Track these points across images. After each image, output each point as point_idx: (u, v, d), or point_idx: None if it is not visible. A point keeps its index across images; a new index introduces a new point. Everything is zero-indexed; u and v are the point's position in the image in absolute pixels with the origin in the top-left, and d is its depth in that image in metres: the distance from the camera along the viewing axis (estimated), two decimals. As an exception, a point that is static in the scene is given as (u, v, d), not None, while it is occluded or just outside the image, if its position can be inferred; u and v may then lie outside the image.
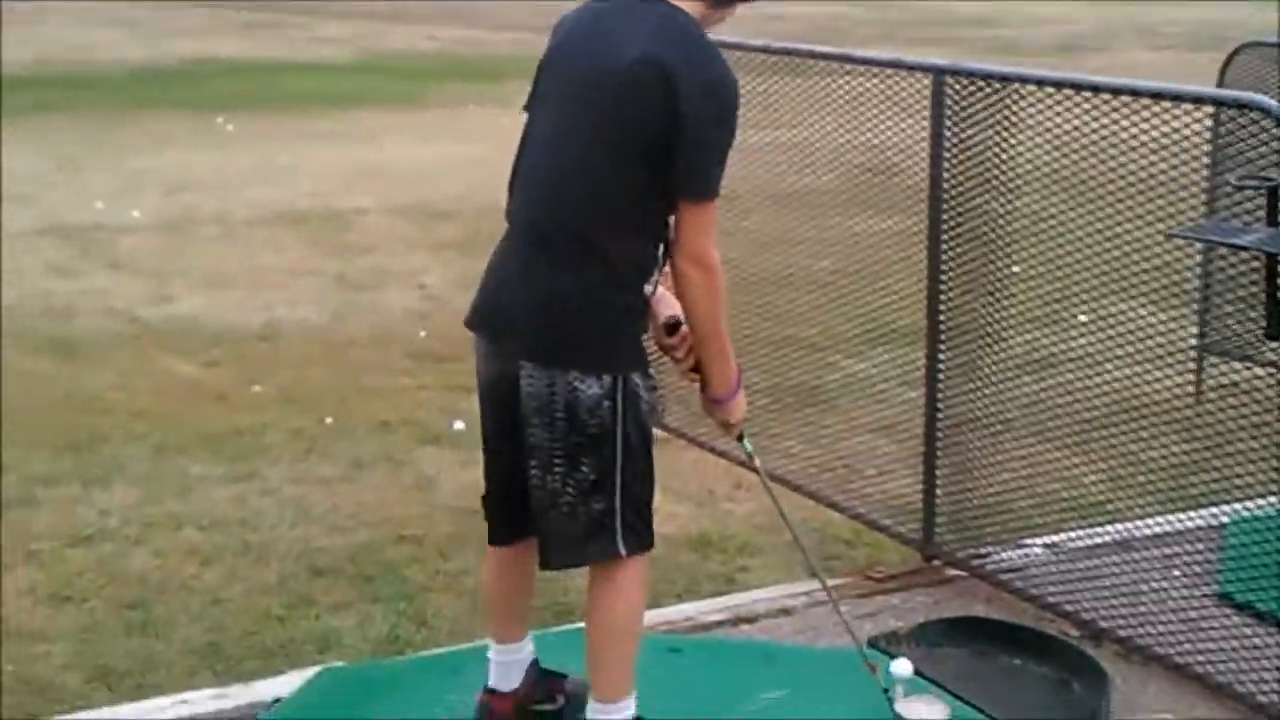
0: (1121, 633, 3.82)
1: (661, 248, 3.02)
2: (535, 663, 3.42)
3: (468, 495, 5.26)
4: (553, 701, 3.43)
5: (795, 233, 5.28)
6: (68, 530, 4.87)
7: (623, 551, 3.08)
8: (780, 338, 5.28)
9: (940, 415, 4.26)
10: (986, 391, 4.16)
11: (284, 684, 3.73)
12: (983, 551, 4.23)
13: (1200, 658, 3.69)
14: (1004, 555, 4.22)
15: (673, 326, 3.16)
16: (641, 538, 3.13)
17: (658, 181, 2.91)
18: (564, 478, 3.02)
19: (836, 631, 3.79)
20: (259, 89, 16.52)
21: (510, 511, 3.22)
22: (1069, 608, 3.95)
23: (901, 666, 3.41)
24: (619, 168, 2.93)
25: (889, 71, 4.32)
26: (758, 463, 3.46)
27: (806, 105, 4.65)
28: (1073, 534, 4.32)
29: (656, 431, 5.20)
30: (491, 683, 3.39)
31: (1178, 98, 3.61)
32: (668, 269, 3.04)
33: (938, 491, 4.30)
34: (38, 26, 22.03)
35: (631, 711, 3.20)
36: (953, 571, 4.31)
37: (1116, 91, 3.71)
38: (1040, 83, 3.91)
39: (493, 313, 3.11)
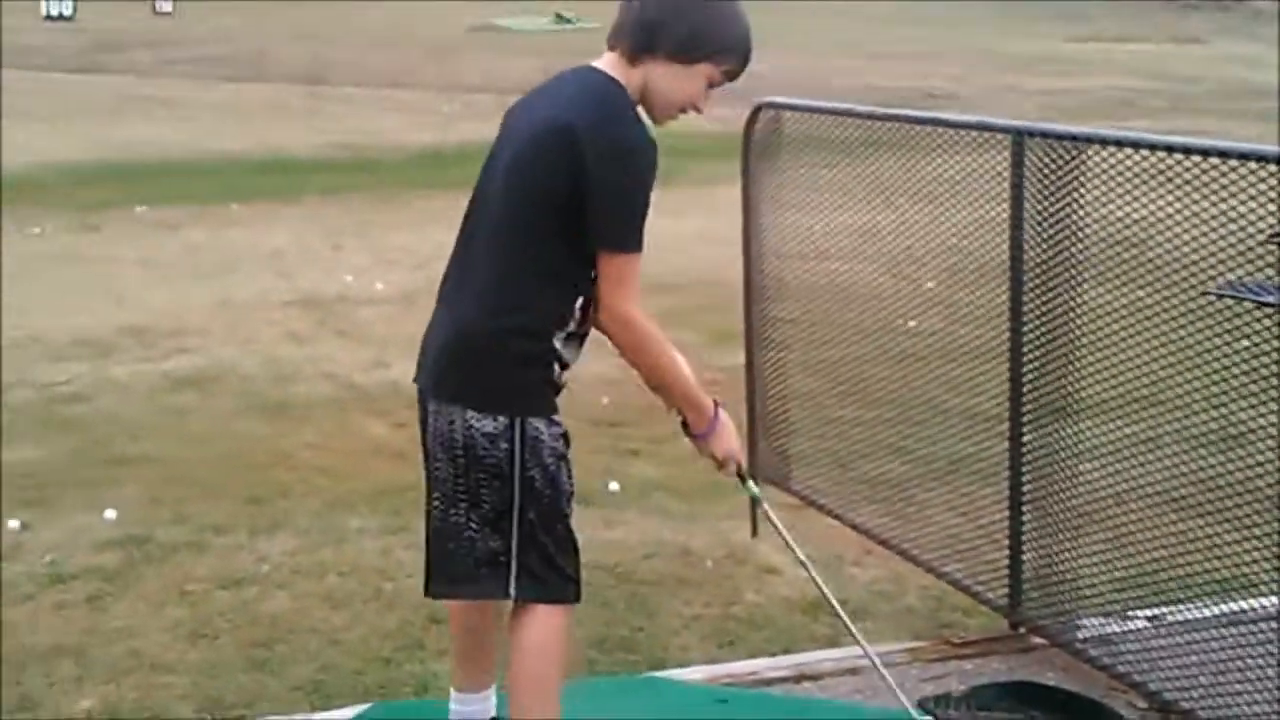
0: (1185, 705, 3.70)
1: (580, 301, 3.12)
2: (495, 719, 3.47)
3: (601, 552, 5.47)
4: None
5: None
6: (223, 574, 5.24)
7: (512, 593, 3.17)
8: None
9: (1026, 472, 4.20)
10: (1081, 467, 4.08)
11: (344, 716, 3.95)
12: (1068, 622, 4.15)
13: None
14: (1090, 625, 4.13)
15: None
16: (546, 587, 3.19)
17: (571, 237, 3.03)
18: (467, 513, 3.15)
19: (900, 694, 3.80)
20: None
21: None
22: (1138, 678, 3.84)
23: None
24: (530, 221, 3.07)
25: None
26: (765, 506, 3.52)
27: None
28: (1174, 608, 4.19)
29: (789, 499, 5.35)
30: None
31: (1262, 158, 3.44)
32: None
33: (1024, 557, 4.24)
34: (329, 114, 23.43)
35: None
36: (1038, 640, 4.23)
37: (1206, 153, 3.52)
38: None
39: (420, 358, 3.29)
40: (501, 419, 3.11)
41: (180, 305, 10.00)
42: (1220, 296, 3.49)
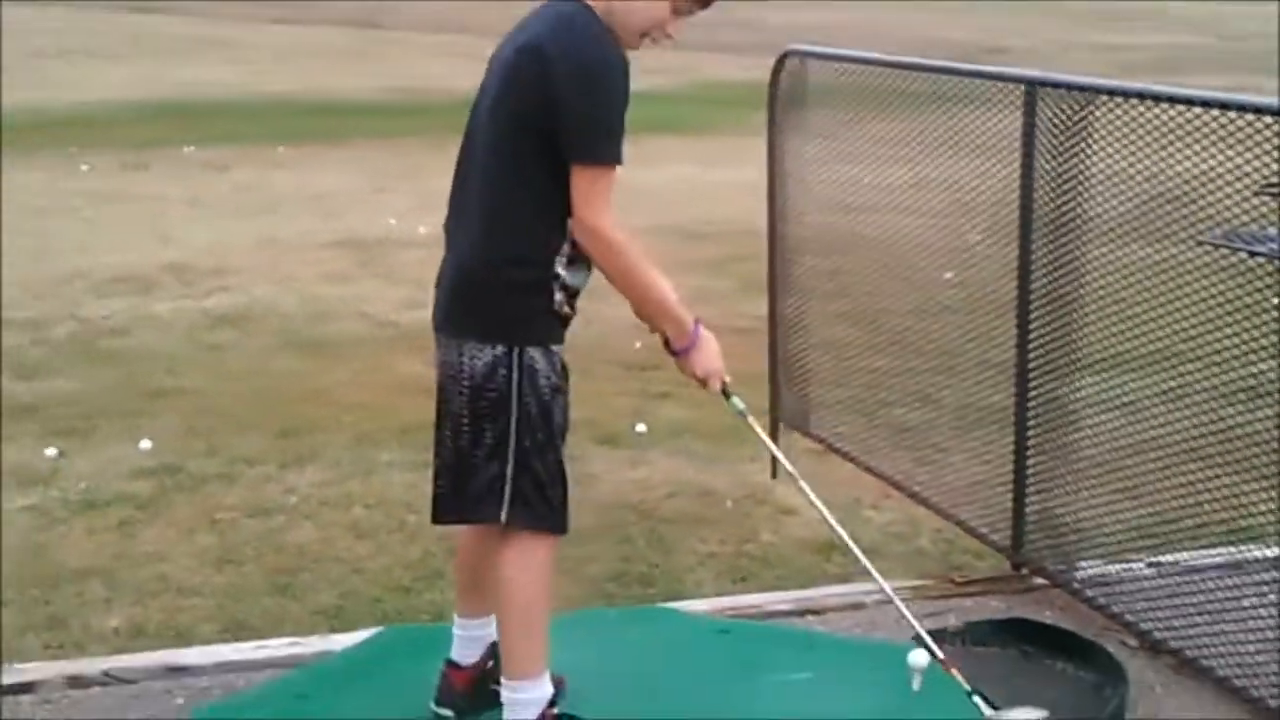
0: (1175, 645, 3.77)
1: (568, 224, 3.15)
2: (495, 644, 3.51)
3: (623, 491, 5.58)
4: None
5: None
6: (252, 504, 5.38)
7: (503, 517, 3.22)
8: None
9: (1030, 418, 4.26)
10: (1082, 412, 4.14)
11: (359, 638, 4.07)
12: (1071, 564, 4.21)
13: (1256, 681, 3.61)
14: (1090, 567, 4.19)
15: None
16: (535, 513, 3.24)
17: (554, 160, 3.08)
18: (471, 442, 3.21)
19: (899, 628, 3.87)
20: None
21: None
22: (1131, 618, 3.91)
23: (918, 657, 3.47)
24: (512, 147, 3.13)
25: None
26: (751, 420, 3.50)
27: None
28: (1175, 555, 4.24)
29: (810, 444, 5.43)
30: (453, 655, 3.56)
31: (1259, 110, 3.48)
32: None
33: (1028, 501, 4.30)
34: (381, 58, 23.52)
35: (541, 693, 3.31)
36: (1039, 581, 4.30)
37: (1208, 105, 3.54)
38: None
39: (435, 297, 3.35)
40: (500, 347, 3.17)
41: (223, 244, 10.14)
42: (1215, 246, 3.52)
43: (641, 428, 6.29)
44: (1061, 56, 24.62)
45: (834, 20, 29.83)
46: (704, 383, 3.37)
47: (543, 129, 3.08)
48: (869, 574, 4.77)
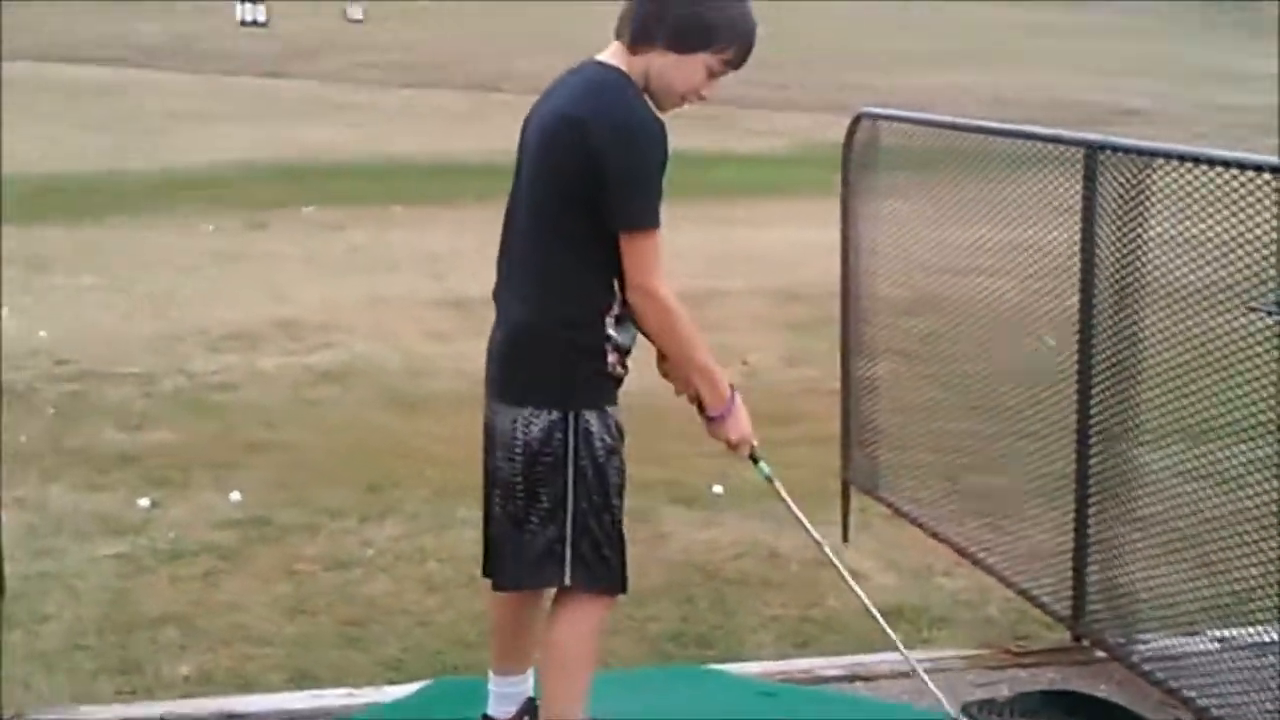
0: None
1: (618, 283, 3.22)
2: (531, 700, 3.57)
3: (692, 551, 5.62)
4: None
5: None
6: (331, 556, 5.50)
7: (567, 580, 3.28)
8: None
9: (1091, 486, 4.23)
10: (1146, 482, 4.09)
11: (407, 690, 4.15)
12: (1132, 636, 4.16)
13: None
14: (1152, 641, 4.12)
15: (663, 354, 3.36)
16: (594, 574, 3.30)
17: (597, 223, 3.15)
18: (525, 507, 3.27)
19: (949, 697, 3.86)
20: (689, 178, 17.31)
21: None
22: (1188, 694, 3.84)
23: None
24: (557, 216, 3.21)
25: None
26: (778, 485, 3.56)
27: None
28: (1244, 630, 4.16)
29: (880, 509, 5.42)
30: (490, 710, 3.61)
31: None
32: None
33: (1089, 571, 4.26)
34: (498, 121, 23.88)
35: None
36: (1099, 654, 4.25)
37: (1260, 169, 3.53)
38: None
39: (486, 362, 3.43)
40: (555, 413, 3.23)
41: (333, 302, 10.39)
42: (1260, 312, 3.49)
43: (719, 489, 6.32)
44: (1191, 118, 24.33)
45: (960, 83, 29.77)
46: (735, 447, 3.42)
47: (584, 193, 3.16)
48: (927, 643, 4.83)
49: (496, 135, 21.57)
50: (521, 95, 27.17)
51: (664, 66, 3.23)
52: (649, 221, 3.17)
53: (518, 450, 3.27)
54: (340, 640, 4.78)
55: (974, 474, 5.02)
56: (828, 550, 3.77)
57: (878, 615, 3.85)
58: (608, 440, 3.30)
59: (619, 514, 3.37)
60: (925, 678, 3.68)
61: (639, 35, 3.23)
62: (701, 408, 3.39)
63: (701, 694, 3.99)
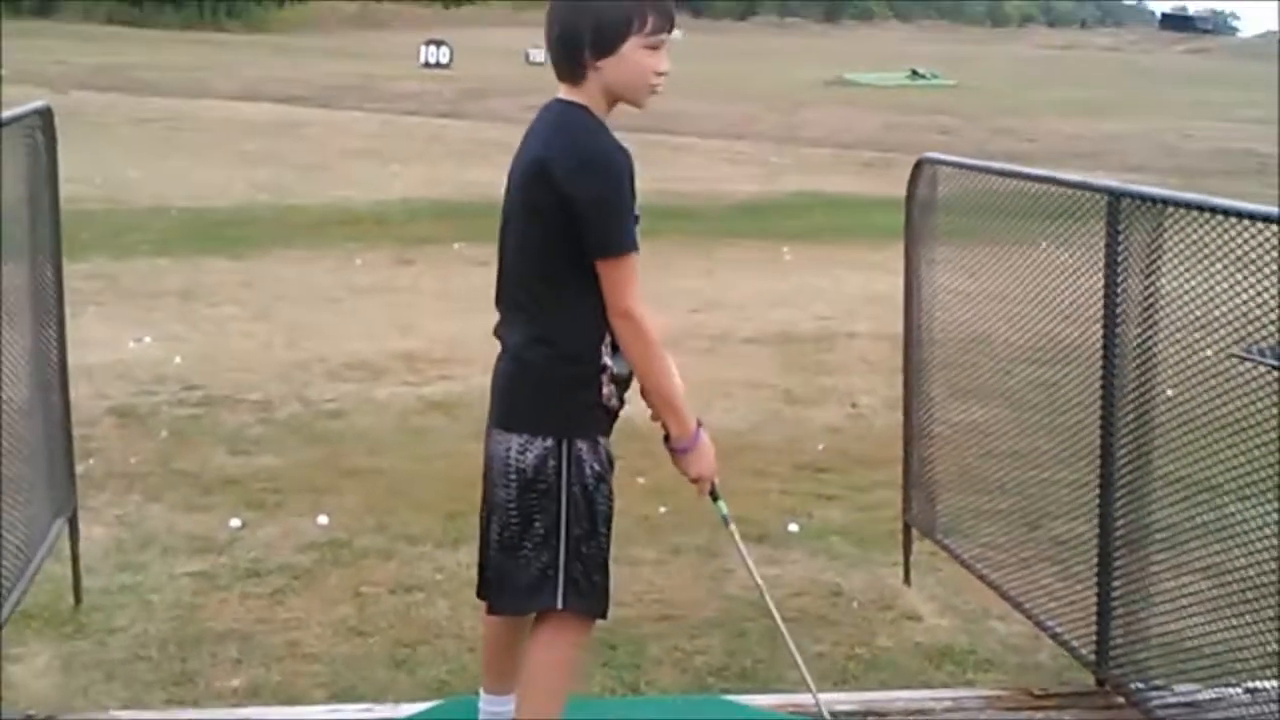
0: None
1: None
2: None
3: (753, 587, 5.62)
4: None
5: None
6: (399, 580, 5.67)
7: (559, 604, 3.38)
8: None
9: (1118, 533, 4.18)
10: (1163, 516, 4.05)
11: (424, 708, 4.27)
12: (1150, 684, 4.09)
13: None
14: (1176, 689, 4.05)
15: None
16: (585, 599, 3.40)
17: (579, 257, 3.26)
18: (520, 533, 3.38)
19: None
20: (849, 222, 17.28)
21: None
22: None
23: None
24: (541, 254, 3.33)
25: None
26: (733, 528, 3.62)
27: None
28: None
29: (933, 548, 5.41)
30: None
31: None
32: None
33: (1113, 615, 4.20)
34: (662, 161, 24.13)
35: None
36: (1119, 699, 4.18)
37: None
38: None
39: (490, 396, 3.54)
40: (549, 440, 3.35)
41: (459, 336, 10.60)
42: (1243, 360, 3.43)
43: (794, 527, 6.35)
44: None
45: (1128, 130, 29.27)
46: (695, 481, 3.49)
47: (562, 230, 3.27)
48: (970, 683, 4.80)
49: (658, 175, 21.94)
50: (690, 136, 27.64)
51: (613, 75, 3.33)
52: (623, 247, 3.27)
53: (512, 477, 3.39)
54: (389, 661, 4.92)
55: (1015, 520, 4.98)
56: (765, 593, 3.89)
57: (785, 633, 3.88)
58: (597, 468, 3.40)
59: (605, 541, 3.47)
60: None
61: (572, 73, 3.35)
62: (667, 439, 3.46)
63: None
